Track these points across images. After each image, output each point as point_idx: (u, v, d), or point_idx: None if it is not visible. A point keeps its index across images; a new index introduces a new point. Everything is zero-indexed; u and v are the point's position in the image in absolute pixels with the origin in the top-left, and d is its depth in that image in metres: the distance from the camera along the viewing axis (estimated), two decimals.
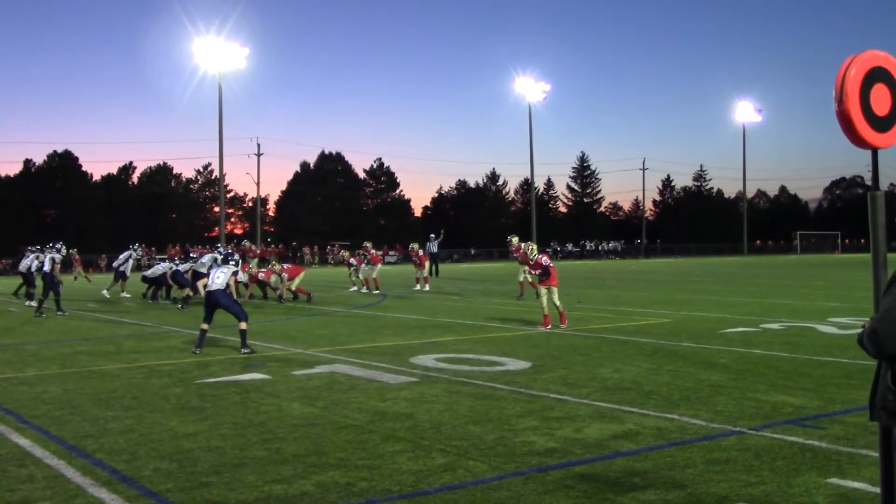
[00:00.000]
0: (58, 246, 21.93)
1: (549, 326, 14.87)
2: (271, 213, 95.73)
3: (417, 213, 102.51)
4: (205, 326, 12.48)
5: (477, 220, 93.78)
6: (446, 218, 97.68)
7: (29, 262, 22.20)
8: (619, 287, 29.41)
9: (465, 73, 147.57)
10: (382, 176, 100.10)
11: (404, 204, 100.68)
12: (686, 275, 39.85)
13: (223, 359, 11.52)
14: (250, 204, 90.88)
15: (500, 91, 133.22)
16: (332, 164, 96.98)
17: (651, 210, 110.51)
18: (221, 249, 14.88)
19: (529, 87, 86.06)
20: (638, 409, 7.73)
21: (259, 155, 79.10)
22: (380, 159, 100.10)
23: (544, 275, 15.44)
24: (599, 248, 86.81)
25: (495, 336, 13.94)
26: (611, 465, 5.87)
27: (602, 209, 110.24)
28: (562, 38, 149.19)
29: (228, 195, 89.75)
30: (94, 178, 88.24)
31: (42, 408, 8.20)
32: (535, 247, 16.92)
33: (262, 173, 78.08)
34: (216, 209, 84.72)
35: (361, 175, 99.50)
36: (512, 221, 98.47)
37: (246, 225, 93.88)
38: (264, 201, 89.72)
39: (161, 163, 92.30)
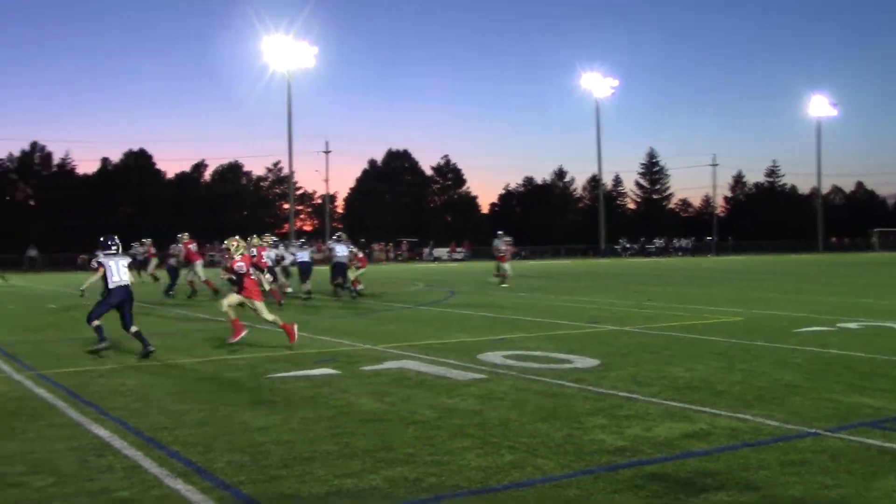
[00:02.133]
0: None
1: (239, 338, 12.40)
2: (340, 210, 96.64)
3: (484, 210, 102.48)
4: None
5: (544, 217, 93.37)
6: (513, 215, 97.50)
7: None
8: (690, 285, 28.99)
9: (532, 70, 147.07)
10: (449, 173, 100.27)
11: (471, 201, 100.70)
12: (759, 272, 39.11)
13: (293, 354, 11.67)
14: (319, 201, 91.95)
15: (567, 87, 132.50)
16: (399, 162, 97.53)
17: (722, 206, 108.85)
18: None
19: (597, 83, 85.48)
20: (709, 408, 7.61)
21: (327, 152, 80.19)
22: (446, 156, 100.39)
23: (237, 284, 12.55)
24: (669, 245, 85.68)
25: (563, 333, 13.86)
26: (682, 465, 5.79)
27: (671, 206, 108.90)
28: (630, 32, 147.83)
29: (298, 192, 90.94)
30: (168, 176, 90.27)
31: (120, 400, 8.42)
32: (239, 244, 12.99)
33: (330, 170, 79.30)
34: (286, 206, 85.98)
35: (428, 172, 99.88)
36: (579, 218, 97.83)
37: (315, 222, 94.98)
38: (333, 198, 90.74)
39: (232, 161, 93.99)
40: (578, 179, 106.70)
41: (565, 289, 25.22)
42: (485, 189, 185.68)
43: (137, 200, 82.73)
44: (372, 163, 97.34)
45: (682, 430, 6.78)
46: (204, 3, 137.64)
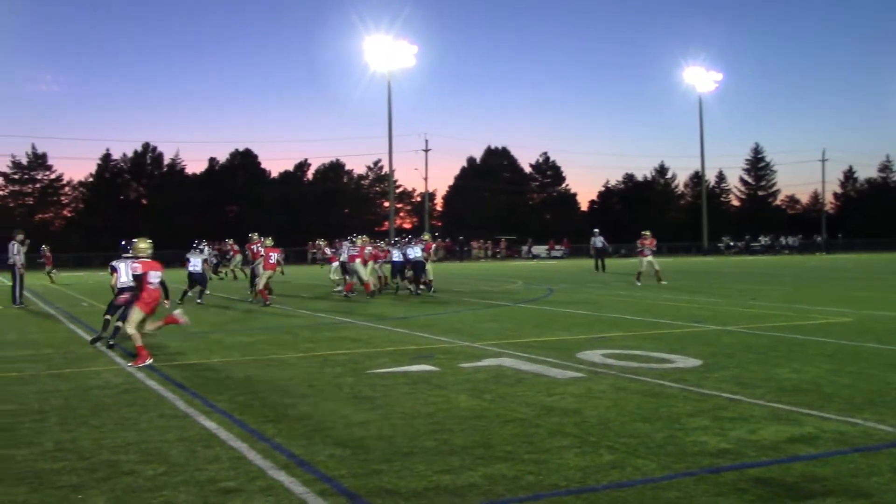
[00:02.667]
0: (200, 247, 23.50)
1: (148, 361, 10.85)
2: (439, 208, 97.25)
3: (584, 207, 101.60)
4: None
5: (645, 214, 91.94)
6: (613, 212, 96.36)
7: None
8: (797, 284, 28.12)
9: (633, 64, 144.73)
10: (548, 170, 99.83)
11: (570, 198, 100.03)
12: (870, 271, 37.64)
13: (393, 350, 11.81)
14: (419, 199, 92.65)
15: (669, 82, 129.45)
16: (498, 159, 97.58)
17: (831, 203, 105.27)
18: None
19: (699, 77, 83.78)
20: (818, 411, 7.37)
21: (427, 151, 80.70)
22: (545, 153, 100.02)
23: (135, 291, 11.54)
24: (775, 243, 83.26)
25: (664, 333, 13.63)
26: (788, 469, 5.63)
27: (778, 202, 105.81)
28: (733, 25, 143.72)
29: (398, 190, 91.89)
30: (272, 176, 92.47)
31: (226, 393, 8.67)
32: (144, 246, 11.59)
33: (429, 168, 79.40)
34: (386, 204, 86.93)
35: (527, 169, 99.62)
36: (681, 216, 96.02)
37: (415, 219, 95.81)
38: (432, 196, 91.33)
39: (334, 159, 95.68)
40: (680, 176, 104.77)
41: (666, 287, 24.77)
42: (584, 186, 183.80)
43: (244, 199, 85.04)
44: (471, 160, 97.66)
45: (788, 433, 6.58)
46: (308, 5, 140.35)
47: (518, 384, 8.92)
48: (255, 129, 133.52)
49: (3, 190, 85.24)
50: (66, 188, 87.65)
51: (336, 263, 26.64)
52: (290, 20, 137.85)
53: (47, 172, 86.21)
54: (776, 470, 5.60)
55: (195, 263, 22.16)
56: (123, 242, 14.32)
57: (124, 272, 13.43)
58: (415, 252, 24.05)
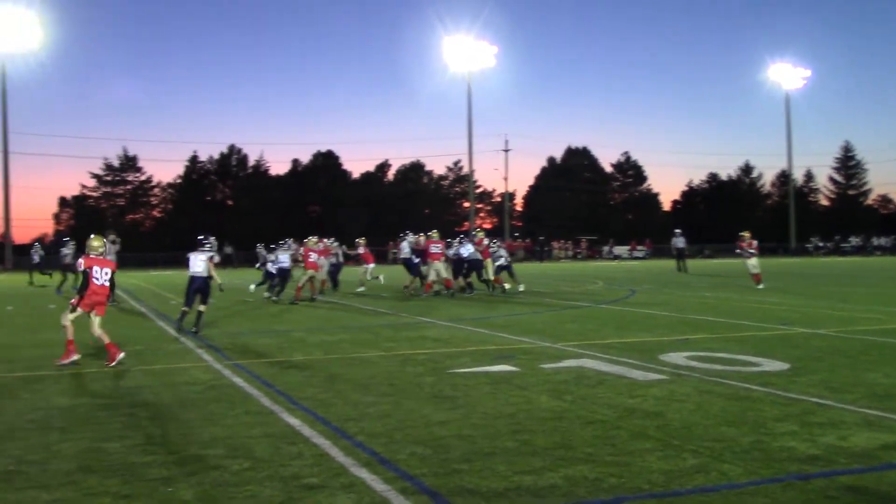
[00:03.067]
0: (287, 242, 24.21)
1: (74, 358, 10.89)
2: (519, 208, 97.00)
3: (666, 207, 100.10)
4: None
5: (729, 214, 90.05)
6: (697, 212, 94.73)
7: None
8: (890, 286, 27.20)
9: (716, 62, 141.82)
10: (629, 170, 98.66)
11: (652, 198, 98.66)
12: None
13: (473, 350, 11.82)
14: (499, 199, 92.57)
15: (754, 79, 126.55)
16: (578, 159, 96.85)
17: None
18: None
19: (786, 74, 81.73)
20: None
21: (507, 151, 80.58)
22: (626, 153, 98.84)
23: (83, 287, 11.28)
24: (867, 243, 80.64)
25: (750, 335, 13.34)
26: (881, 477, 5.45)
27: (869, 202, 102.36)
28: (822, 19, 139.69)
29: (477, 190, 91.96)
30: (354, 176, 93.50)
31: (309, 391, 8.80)
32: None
33: (510, 168, 79.36)
34: (466, 204, 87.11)
35: (608, 169, 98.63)
36: (768, 216, 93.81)
37: (495, 219, 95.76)
38: (512, 196, 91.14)
39: (414, 160, 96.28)
40: (767, 175, 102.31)
41: (752, 289, 24.22)
42: (667, 186, 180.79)
43: (326, 199, 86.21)
44: (551, 160, 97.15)
45: (881, 440, 6.37)
46: (388, 7, 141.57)
47: (599, 385, 8.84)
48: (337, 131, 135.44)
49: (95, 191, 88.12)
50: (156, 189, 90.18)
51: (372, 265, 26.90)
52: (371, 23, 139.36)
53: (137, 174, 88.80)
54: (868, 478, 5.43)
55: (283, 259, 22.65)
56: (201, 237, 15.61)
57: (193, 263, 15.08)
58: (468, 250, 23.87)
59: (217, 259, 16.33)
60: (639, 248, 75.78)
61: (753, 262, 25.73)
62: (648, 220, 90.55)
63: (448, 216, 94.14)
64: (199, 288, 14.97)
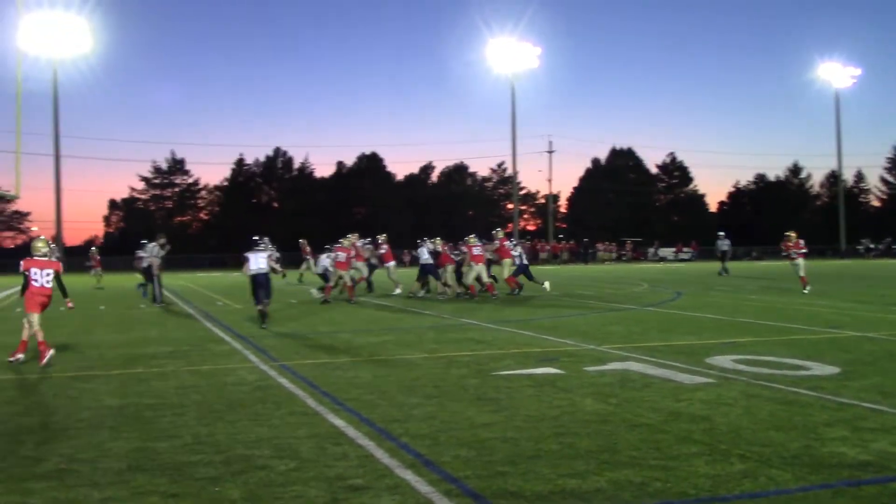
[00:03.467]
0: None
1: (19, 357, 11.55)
2: (563, 210, 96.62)
3: (712, 208, 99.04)
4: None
5: (777, 215, 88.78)
6: (743, 214, 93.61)
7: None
8: None
9: (764, 60, 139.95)
10: (675, 171, 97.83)
11: (698, 199, 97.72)
12: None
13: (517, 352, 11.80)
14: (542, 201, 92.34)
15: (803, 78, 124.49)
16: (623, 160, 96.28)
17: None
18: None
19: (836, 73, 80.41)
20: None
21: (551, 152, 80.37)
22: (672, 154, 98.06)
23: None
24: None
25: (799, 338, 13.14)
26: None
27: None
28: (872, 18, 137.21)
29: (521, 192, 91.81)
30: (398, 178, 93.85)
31: (354, 392, 8.85)
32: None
33: (553, 170, 79.08)
34: (510, 206, 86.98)
35: (653, 170, 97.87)
36: (817, 217, 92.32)
37: (538, 221, 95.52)
38: (556, 198, 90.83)
39: (458, 162, 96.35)
40: (815, 176, 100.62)
41: (799, 292, 23.86)
42: (713, 187, 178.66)
43: (370, 201, 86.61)
44: (595, 162, 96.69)
45: None
46: (432, 10, 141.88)
47: (645, 389, 8.77)
48: (382, 133, 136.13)
49: (144, 194, 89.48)
50: (203, 192, 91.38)
51: (392, 263, 26.91)
52: (414, 25, 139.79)
53: (185, 177, 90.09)
54: None
55: (325, 262, 23.07)
56: (255, 237, 17.16)
57: (253, 261, 16.50)
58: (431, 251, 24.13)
59: (277, 255, 17.85)
60: (685, 249, 75.03)
61: (800, 264, 24.84)
62: (694, 222, 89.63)
63: (492, 218, 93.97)
64: (262, 284, 16.43)
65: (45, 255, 11.92)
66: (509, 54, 71.96)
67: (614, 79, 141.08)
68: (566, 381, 9.28)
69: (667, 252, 74.36)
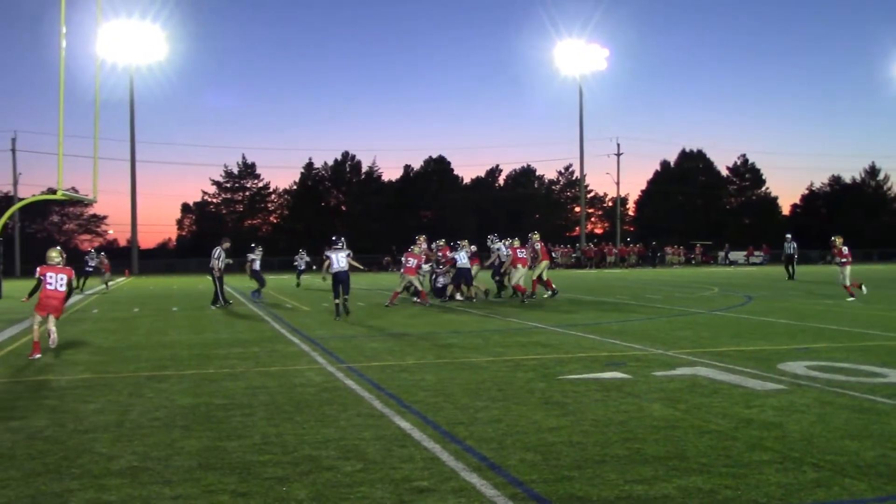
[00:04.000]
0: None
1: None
2: (631, 213, 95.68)
3: (785, 211, 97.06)
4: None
5: (853, 218, 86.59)
6: (817, 216, 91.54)
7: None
8: None
9: (838, 59, 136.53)
10: (747, 173, 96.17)
11: (770, 202, 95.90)
12: None
13: (584, 356, 11.71)
14: (610, 204, 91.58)
15: (880, 77, 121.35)
16: (693, 163, 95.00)
17: None
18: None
19: None
20: None
21: (619, 155, 79.58)
22: (744, 156, 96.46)
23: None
24: None
25: (876, 345, 12.78)
26: None
27: None
28: None
29: (589, 195, 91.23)
30: (465, 182, 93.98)
31: (419, 394, 8.89)
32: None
33: (621, 173, 78.23)
34: (577, 209, 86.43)
35: (724, 172, 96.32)
36: (895, 220, 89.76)
37: (606, 224, 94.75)
38: (624, 201, 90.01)
39: (525, 165, 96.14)
40: (894, 177, 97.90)
41: (878, 297, 23.19)
42: (786, 189, 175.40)
43: (436, 205, 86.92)
44: (664, 164, 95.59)
45: None
46: (499, 13, 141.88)
47: (714, 395, 8.63)
48: (449, 137, 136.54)
49: (216, 197, 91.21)
50: (273, 195, 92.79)
51: (428, 265, 26.80)
52: (482, 29, 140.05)
53: (255, 181, 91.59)
54: None
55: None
56: (334, 238, 19.43)
57: (335, 260, 18.84)
58: (462, 259, 23.82)
59: (350, 254, 19.48)
60: (756, 253, 73.61)
61: (846, 272, 23.19)
62: (766, 225, 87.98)
63: (559, 221, 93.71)
64: (343, 280, 18.63)
65: (58, 264, 13.32)
66: (577, 56, 71.59)
67: (683, 80, 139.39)
68: (633, 386, 9.18)
69: (737, 256, 73.02)
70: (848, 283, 23.16)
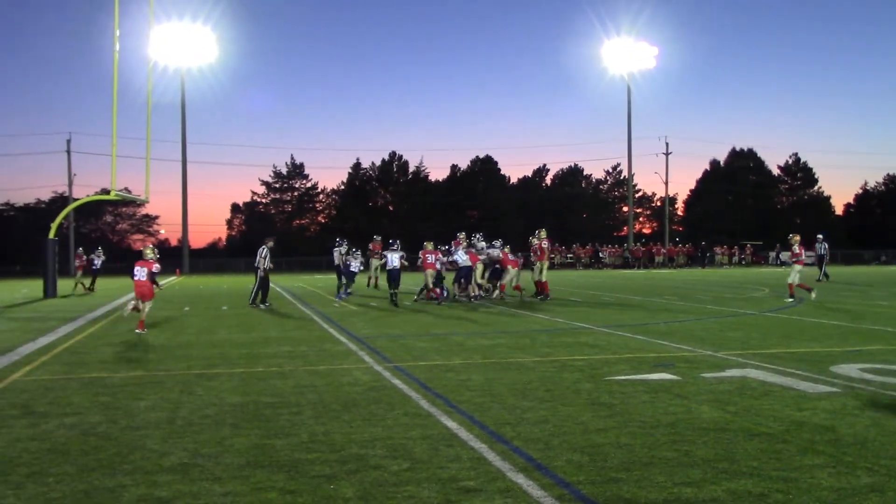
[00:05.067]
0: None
1: None
2: (680, 213, 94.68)
3: (838, 211, 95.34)
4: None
5: None
6: (872, 216, 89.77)
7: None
8: None
9: (891, 55, 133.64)
10: (799, 172, 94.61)
11: (823, 202, 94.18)
12: None
13: (631, 357, 11.63)
14: (659, 203, 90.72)
15: None
16: (743, 162, 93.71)
17: None
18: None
19: None
20: None
21: (667, 154, 78.75)
22: (796, 154, 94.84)
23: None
24: None
25: None
26: None
27: None
28: None
29: (637, 195, 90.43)
30: (512, 181, 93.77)
31: (466, 394, 8.89)
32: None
33: (670, 172, 77.33)
34: (625, 209, 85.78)
35: (775, 172, 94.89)
36: None
37: (654, 224, 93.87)
38: (673, 200, 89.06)
39: (572, 164, 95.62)
40: None
41: None
42: (839, 188, 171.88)
43: (483, 204, 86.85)
44: (714, 163, 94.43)
45: None
46: (547, 12, 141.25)
47: (764, 397, 8.51)
48: (496, 136, 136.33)
49: (265, 198, 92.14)
50: (321, 195, 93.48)
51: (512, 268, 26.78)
52: (529, 28, 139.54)
53: (304, 181, 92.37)
54: None
55: (463, 258, 23.87)
56: (391, 241, 23.38)
57: (390, 259, 22.74)
58: (462, 258, 23.80)
59: (403, 255, 22.36)
60: (808, 253, 72.40)
61: (797, 270, 23.91)
62: (819, 225, 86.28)
63: (607, 221, 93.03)
64: (395, 276, 22.67)
65: (149, 258, 16.19)
66: (626, 54, 71.03)
67: (733, 78, 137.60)
68: (682, 388, 9.09)
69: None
70: (795, 283, 23.30)
